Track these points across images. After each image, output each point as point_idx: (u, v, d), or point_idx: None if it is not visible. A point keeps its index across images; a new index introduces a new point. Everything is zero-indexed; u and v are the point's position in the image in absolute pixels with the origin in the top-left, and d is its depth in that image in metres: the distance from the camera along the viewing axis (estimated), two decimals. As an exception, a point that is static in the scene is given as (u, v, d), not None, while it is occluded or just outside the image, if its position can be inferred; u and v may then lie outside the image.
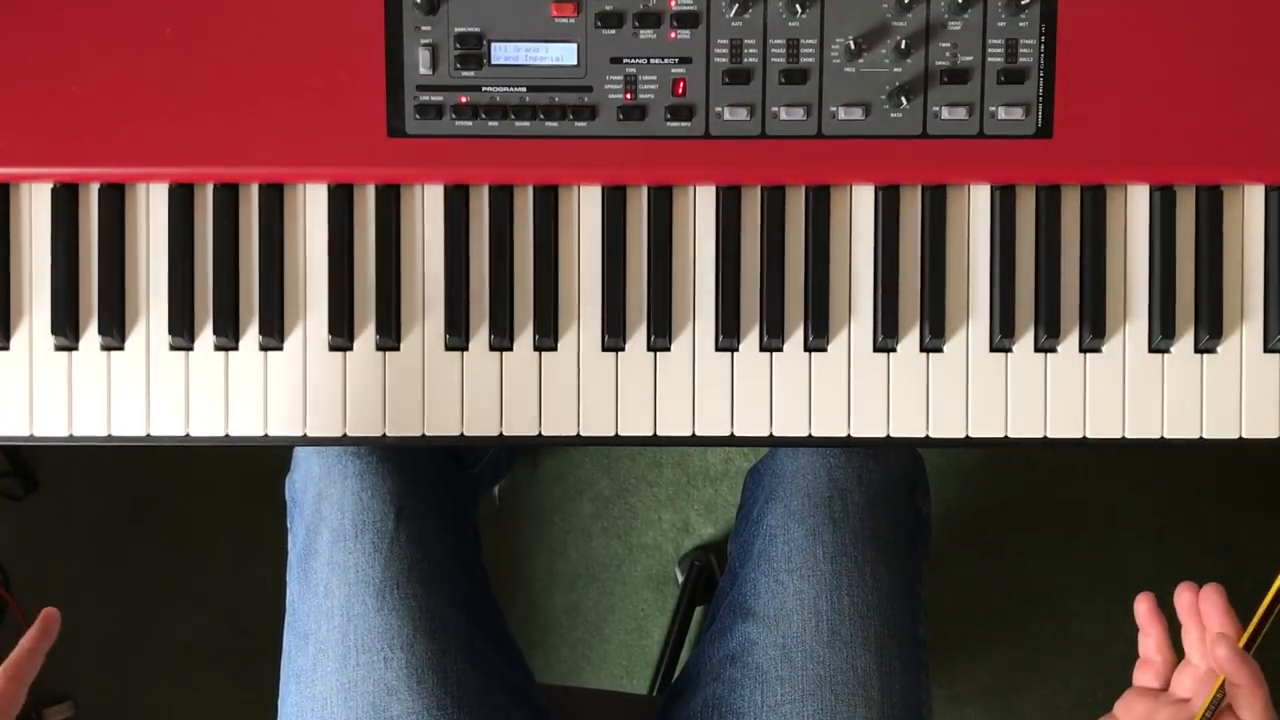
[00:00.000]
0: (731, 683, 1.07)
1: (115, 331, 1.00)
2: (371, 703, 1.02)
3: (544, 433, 1.01)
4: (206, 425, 1.00)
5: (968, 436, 1.01)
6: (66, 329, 1.00)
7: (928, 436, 1.01)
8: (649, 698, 1.27)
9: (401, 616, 1.04)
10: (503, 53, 0.98)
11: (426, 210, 1.01)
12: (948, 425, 1.01)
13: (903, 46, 0.98)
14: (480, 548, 1.20)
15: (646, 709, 1.26)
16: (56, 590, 1.73)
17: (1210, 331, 1.00)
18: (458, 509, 1.17)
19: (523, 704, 1.11)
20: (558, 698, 1.19)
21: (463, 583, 1.10)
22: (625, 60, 0.99)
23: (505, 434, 1.01)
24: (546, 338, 1.00)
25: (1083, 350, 1.01)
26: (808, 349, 1.01)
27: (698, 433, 1.01)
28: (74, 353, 1.00)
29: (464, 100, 0.98)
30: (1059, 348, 1.01)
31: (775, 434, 1.01)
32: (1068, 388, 1.01)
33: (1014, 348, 1.01)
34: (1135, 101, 0.99)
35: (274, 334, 1.00)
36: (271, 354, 1.01)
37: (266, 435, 1.01)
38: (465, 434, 1.01)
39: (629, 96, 0.99)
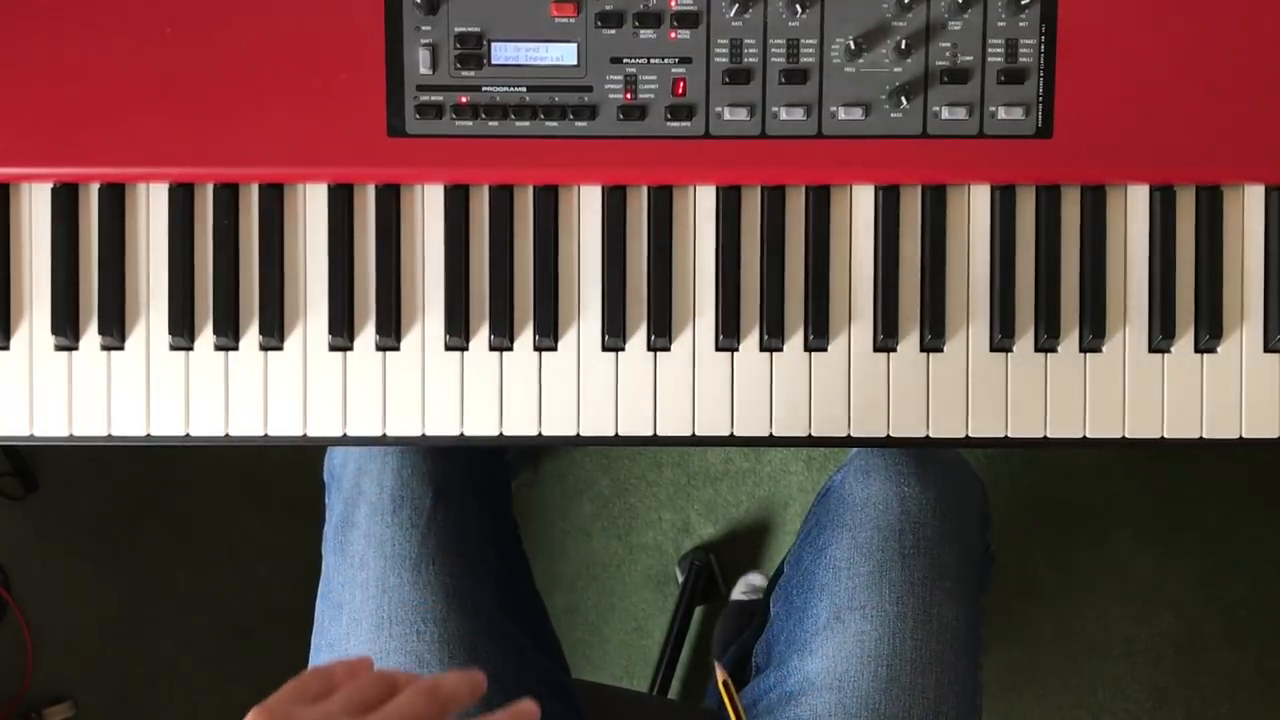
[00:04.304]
0: None
1: (115, 331, 1.00)
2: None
3: (544, 433, 1.01)
4: (206, 425, 1.00)
5: (968, 436, 1.01)
6: (67, 329, 0.99)
7: (928, 436, 1.01)
8: (704, 709, 1.26)
9: (435, 592, 1.05)
10: (503, 53, 0.98)
11: (426, 210, 1.01)
12: (948, 425, 1.01)
13: (903, 46, 0.97)
14: (518, 538, 1.20)
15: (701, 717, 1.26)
16: (56, 590, 1.73)
17: (1210, 331, 1.00)
18: (495, 497, 1.17)
19: (556, 696, 1.11)
20: (599, 697, 1.18)
21: (498, 569, 1.11)
22: (625, 60, 0.99)
23: (505, 434, 1.01)
24: (546, 338, 1.00)
25: (1083, 350, 1.01)
26: (808, 349, 1.01)
27: (698, 433, 1.01)
28: (74, 353, 1.00)
29: (464, 100, 0.98)
30: (1059, 347, 1.01)
31: (775, 434, 1.01)
32: (1068, 388, 1.01)
33: (1014, 347, 1.01)
34: (1135, 101, 0.98)
35: (274, 334, 1.00)
36: (271, 354, 1.01)
37: (266, 435, 1.01)
38: (465, 434, 1.01)
39: (629, 96, 0.98)
